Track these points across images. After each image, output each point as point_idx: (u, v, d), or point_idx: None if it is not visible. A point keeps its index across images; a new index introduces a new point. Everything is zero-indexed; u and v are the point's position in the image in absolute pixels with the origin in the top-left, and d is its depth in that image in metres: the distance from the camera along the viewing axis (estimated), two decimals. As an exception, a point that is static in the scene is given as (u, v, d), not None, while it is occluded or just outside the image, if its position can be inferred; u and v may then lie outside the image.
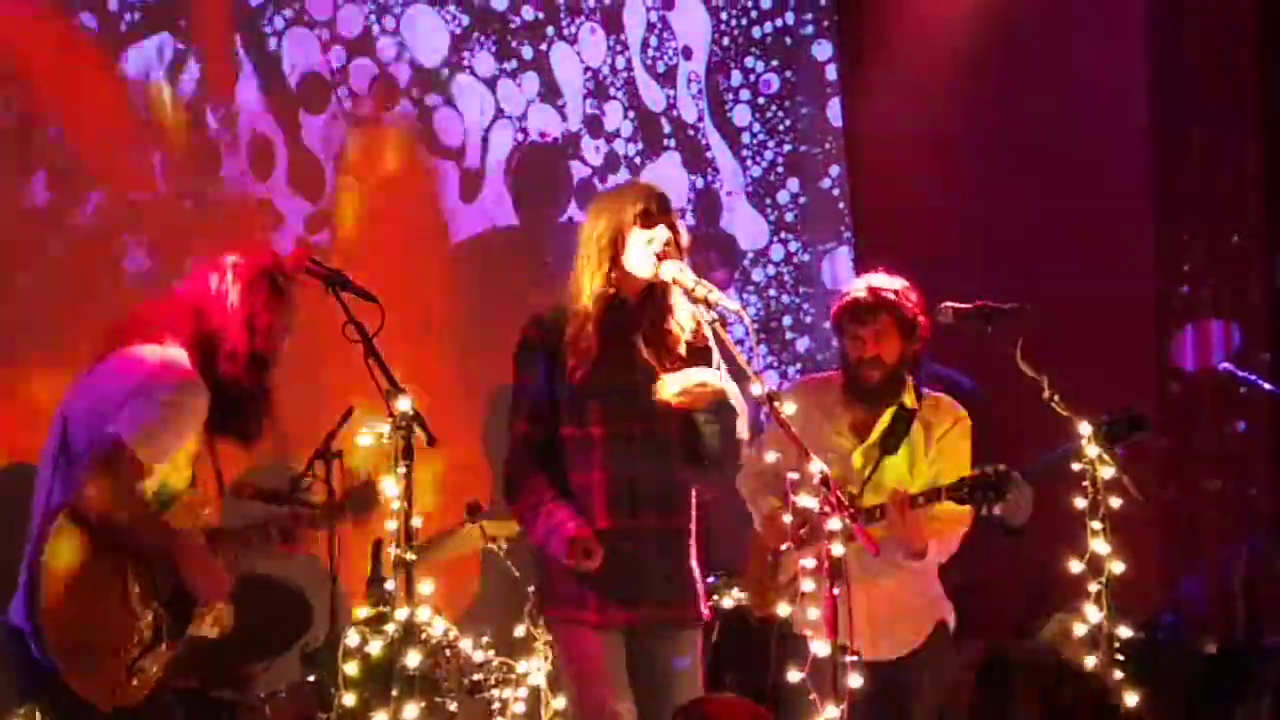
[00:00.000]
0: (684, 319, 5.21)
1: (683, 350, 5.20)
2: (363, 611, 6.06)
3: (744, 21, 8.90)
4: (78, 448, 4.91)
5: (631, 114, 8.50)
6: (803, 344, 8.90)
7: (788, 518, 5.23)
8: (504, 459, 5.15)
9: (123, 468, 4.82)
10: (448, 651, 6.11)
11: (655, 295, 5.17)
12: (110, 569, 4.86)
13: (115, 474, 4.81)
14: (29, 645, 4.79)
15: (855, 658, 5.09)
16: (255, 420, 5.17)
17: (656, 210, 5.13)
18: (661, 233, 5.11)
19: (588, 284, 5.10)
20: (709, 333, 5.21)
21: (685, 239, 5.18)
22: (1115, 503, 5.55)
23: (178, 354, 4.99)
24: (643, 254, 5.10)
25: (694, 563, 5.25)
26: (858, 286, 5.85)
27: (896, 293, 5.80)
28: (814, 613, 5.45)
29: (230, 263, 5.15)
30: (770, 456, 5.58)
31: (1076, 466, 5.63)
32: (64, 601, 4.79)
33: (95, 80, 7.04)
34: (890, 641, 5.63)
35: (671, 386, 5.08)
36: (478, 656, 6.23)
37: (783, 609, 5.68)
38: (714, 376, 5.12)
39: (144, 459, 4.84)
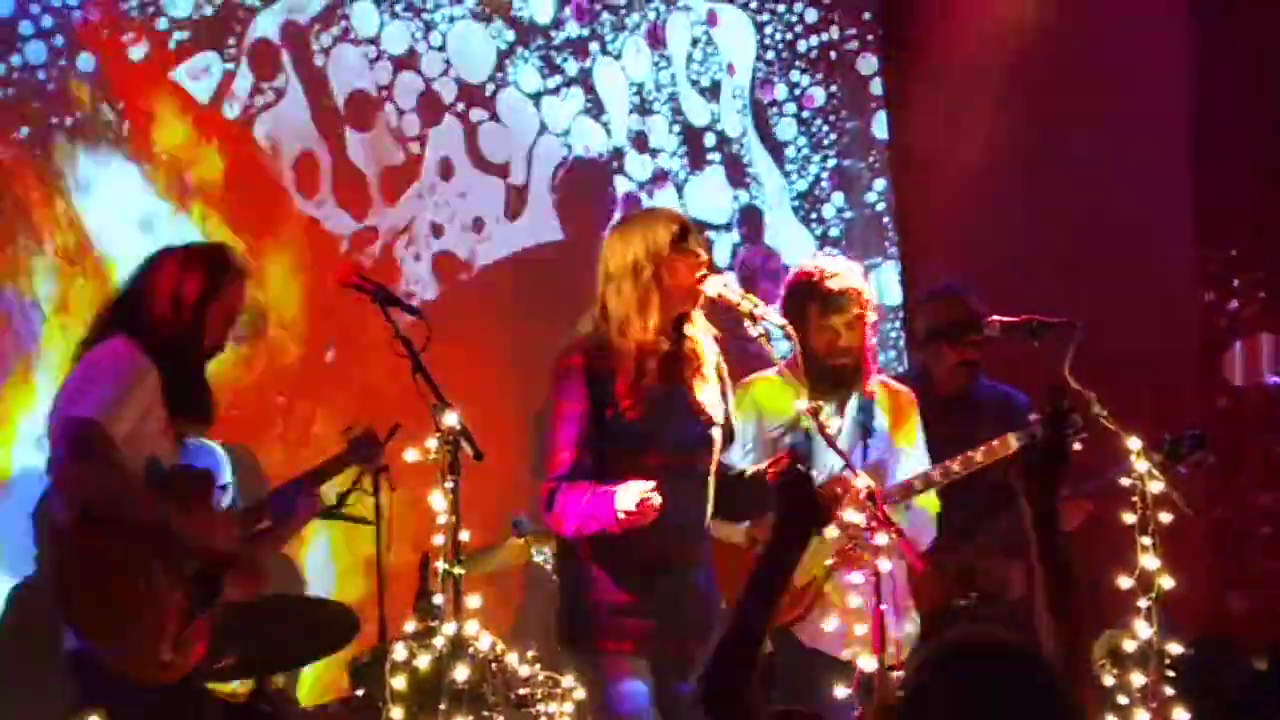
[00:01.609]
0: (708, 343, 5.21)
1: (710, 373, 5.21)
2: (410, 625, 6.06)
3: (789, 36, 8.89)
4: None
5: (676, 129, 8.50)
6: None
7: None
8: (546, 482, 5.10)
9: (94, 443, 4.94)
10: (494, 665, 6.11)
11: (688, 322, 5.17)
12: (125, 552, 4.95)
13: (89, 451, 4.94)
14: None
15: (900, 672, 5.10)
16: (198, 399, 5.35)
17: (689, 234, 5.13)
18: (701, 258, 5.11)
19: (638, 319, 5.06)
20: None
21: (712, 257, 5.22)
22: (1165, 518, 5.53)
23: (115, 342, 5.19)
24: (687, 283, 5.10)
25: None
26: (829, 279, 5.81)
27: (864, 282, 5.83)
28: (860, 629, 5.46)
29: (170, 249, 5.34)
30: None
31: (1126, 482, 5.62)
32: (93, 594, 4.88)
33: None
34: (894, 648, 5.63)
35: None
36: (524, 671, 6.23)
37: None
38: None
39: (107, 426, 4.97)
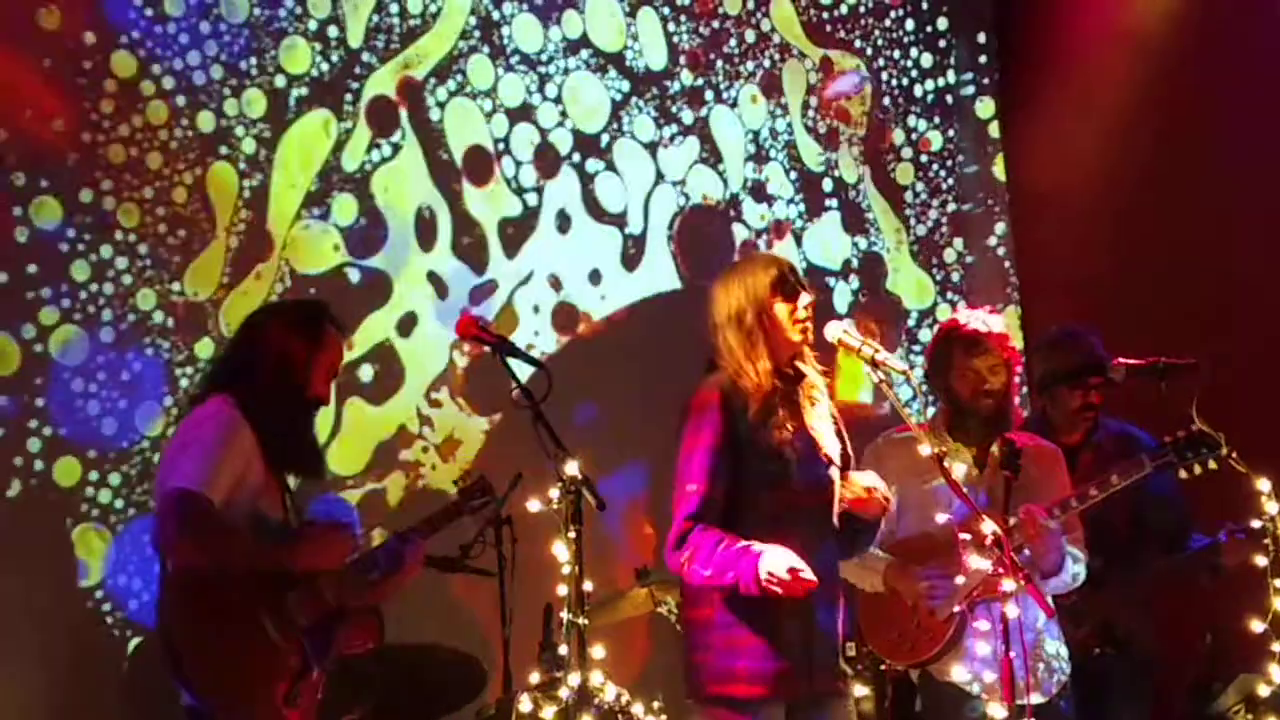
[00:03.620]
0: (820, 384, 5.20)
1: (825, 413, 5.20)
2: (535, 677, 6.05)
3: (904, 81, 8.87)
4: None
5: (793, 176, 8.49)
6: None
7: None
8: (676, 522, 5.04)
9: (195, 510, 4.99)
10: (620, 716, 6.09)
11: (801, 361, 5.17)
12: (240, 612, 5.00)
13: (191, 519, 4.98)
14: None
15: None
16: (305, 454, 5.41)
17: (787, 276, 5.14)
18: (804, 300, 5.11)
19: (749, 365, 5.07)
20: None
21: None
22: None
23: (211, 403, 5.23)
24: (789, 326, 5.10)
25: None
26: (971, 321, 5.86)
27: (1005, 328, 5.87)
28: (990, 676, 5.40)
29: (270, 308, 5.38)
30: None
31: (1257, 524, 5.54)
32: (205, 653, 4.92)
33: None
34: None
35: (854, 487, 5.10)
36: (650, 721, 6.20)
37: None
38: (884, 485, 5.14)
39: (208, 493, 5.01)
